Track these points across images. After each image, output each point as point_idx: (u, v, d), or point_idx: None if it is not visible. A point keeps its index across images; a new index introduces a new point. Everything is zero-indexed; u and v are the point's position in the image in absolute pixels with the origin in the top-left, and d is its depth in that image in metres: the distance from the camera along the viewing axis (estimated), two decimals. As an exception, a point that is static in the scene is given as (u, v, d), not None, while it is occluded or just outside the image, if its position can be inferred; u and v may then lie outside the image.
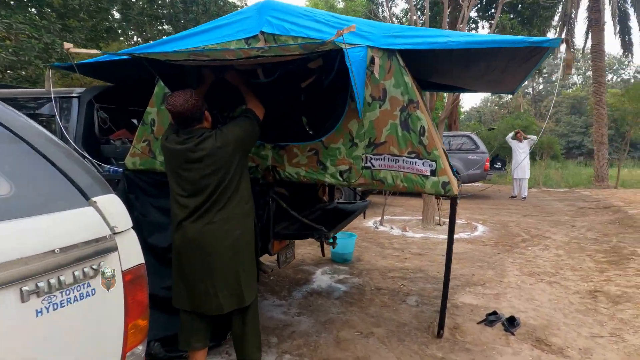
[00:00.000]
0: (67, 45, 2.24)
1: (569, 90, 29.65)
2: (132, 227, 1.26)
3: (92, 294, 1.11)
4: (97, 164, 3.21)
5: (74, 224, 1.11)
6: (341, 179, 2.58)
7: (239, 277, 2.20)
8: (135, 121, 4.31)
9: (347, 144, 2.54)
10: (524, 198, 10.57)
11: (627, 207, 8.68)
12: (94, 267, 1.11)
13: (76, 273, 1.07)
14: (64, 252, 1.04)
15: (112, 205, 1.21)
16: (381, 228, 6.85)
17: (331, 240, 2.98)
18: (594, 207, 9.17)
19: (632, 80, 26.24)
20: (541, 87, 31.80)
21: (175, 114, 2.13)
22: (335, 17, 2.56)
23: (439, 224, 7.27)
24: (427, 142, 2.39)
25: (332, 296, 3.88)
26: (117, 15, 10.67)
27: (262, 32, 2.54)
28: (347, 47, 2.07)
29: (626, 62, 28.72)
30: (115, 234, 1.17)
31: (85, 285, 1.10)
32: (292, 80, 2.69)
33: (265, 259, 3.86)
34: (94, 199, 1.17)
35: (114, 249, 1.17)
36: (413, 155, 2.43)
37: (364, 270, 4.70)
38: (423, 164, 2.41)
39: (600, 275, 4.60)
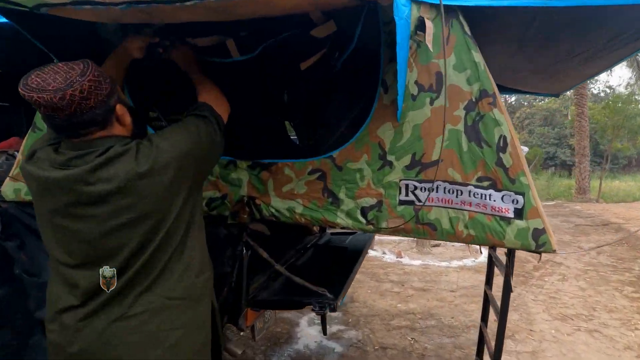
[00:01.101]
0: None
1: (541, 102, 30.03)
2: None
3: None
4: None
5: None
6: (364, 221, 1.56)
7: None
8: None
9: (376, 163, 1.53)
10: (515, 213, 9.94)
11: (627, 224, 8.16)
12: None
13: None
14: None
15: None
16: (372, 253, 5.89)
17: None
18: (591, 225, 8.59)
19: (602, 95, 26.80)
20: (513, 98, 32.18)
21: (45, 108, 1.01)
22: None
23: (437, 246, 6.41)
24: (510, 163, 1.43)
25: (325, 363, 2.86)
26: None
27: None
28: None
29: (596, 77, 29.36)
30: None
31: None
32: (285, 58, 1.66)
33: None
34: None
35: None
36: (486, 184, 1.45)
37: (361, 316, 3.70)
38: (503, 198, 1.45)
39: (643, 318, 3.83)
